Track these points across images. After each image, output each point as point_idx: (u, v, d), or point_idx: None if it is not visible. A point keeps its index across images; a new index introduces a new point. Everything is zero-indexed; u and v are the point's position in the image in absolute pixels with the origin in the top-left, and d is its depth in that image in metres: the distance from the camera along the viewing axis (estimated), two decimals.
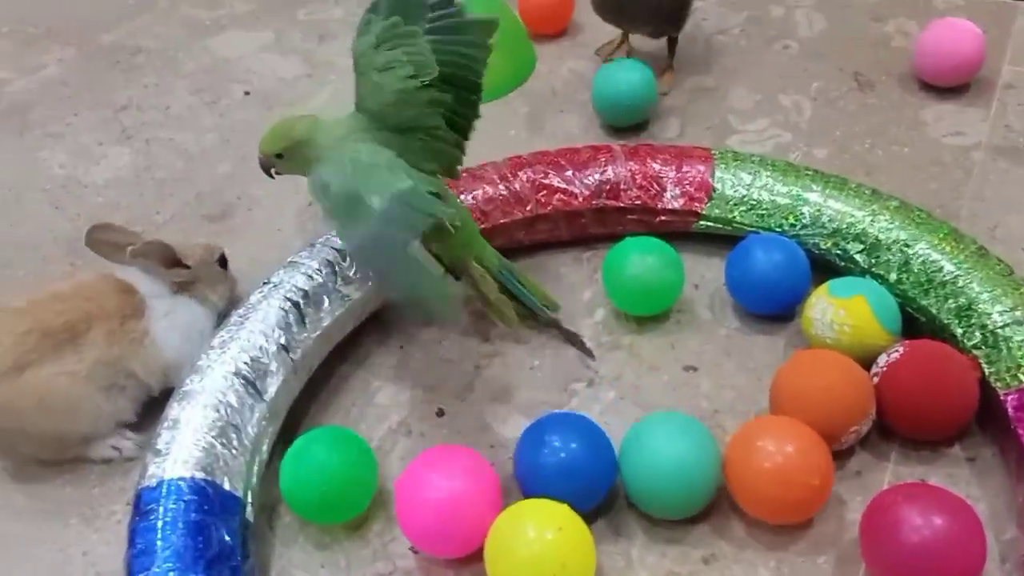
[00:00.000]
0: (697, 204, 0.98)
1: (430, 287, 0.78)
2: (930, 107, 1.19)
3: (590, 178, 1.01)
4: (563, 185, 1.01)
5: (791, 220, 0.94)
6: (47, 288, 0.87)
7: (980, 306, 0.81)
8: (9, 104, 1.36)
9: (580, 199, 1.00)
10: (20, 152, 1.26)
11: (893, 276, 0.88)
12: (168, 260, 0.90)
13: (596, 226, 1.02)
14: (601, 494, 0.77)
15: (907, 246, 0.88)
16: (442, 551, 0.75)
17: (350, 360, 0.95)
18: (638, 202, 1.00)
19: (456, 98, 0.86)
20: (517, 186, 1.01)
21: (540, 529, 0.69)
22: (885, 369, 0.80)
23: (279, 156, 0.86)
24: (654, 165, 1.01)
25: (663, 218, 1.00)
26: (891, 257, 0.88)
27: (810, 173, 0.96)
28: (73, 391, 0.81)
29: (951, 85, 1.20)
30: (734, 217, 0.97)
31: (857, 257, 0.90)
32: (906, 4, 1.37)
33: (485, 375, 0.92)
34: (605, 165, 1.01)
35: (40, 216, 1.16)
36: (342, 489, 0.77)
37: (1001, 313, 0.80)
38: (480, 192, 1.00)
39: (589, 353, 0.92)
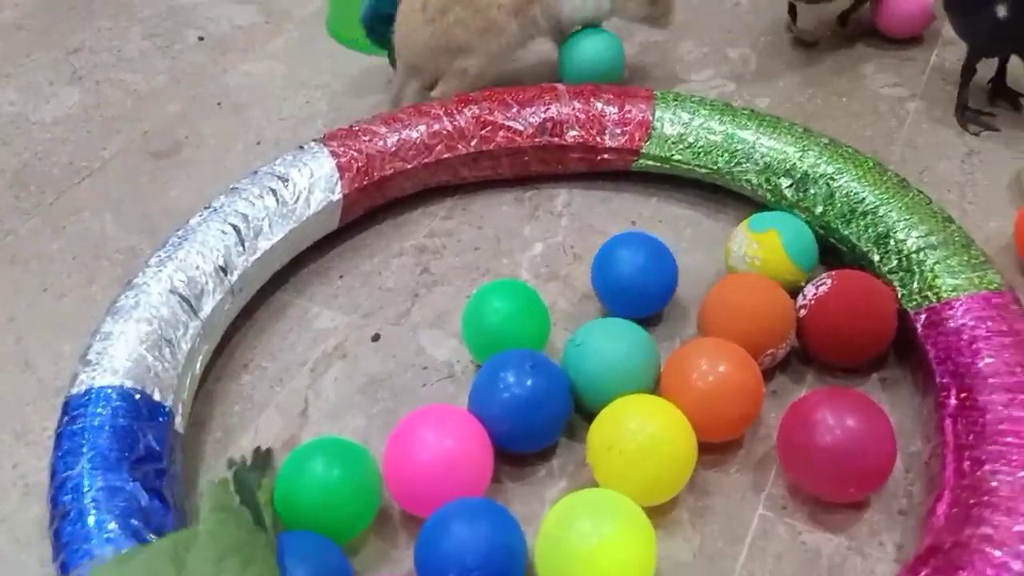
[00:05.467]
0: (637, 142, 1.00)
1: None
2: (872, 60, 1.22)
3: (534, 116, 1.02)
4: (507, 122, 1.02)
5: (726, 157, 0.96)
6: None
7: (897, 233, 0.84)
8: None
9: (524, 136, 1.02)
10: None
11: (819, 209, 0.90)
12: None
13: (538, 164, 1.04)
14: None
15: (832, 179, 0.90)
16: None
17: (290, 288, 0.96)
18: (580, 140, 1.01)
19: None
20: (462, 122, 1.02)
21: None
22: (813, 302, 0.82)
23: None
24: (597, 104, 1.02)
25: (604, 156, 1.02)
26: (817, 190, 0.90)
27: (747, 113, 0.98)
28: (500, 18, 1.07)
29: (904, 37, 1.22)
30: (672, 155, 0.99)
31: (787, 192, 0.92)
32: None
33: (422, 302, 0.94)
34: (549, 103, 1.03)
35: None
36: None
37: (916, 238, 0.82)
38: (424, 127, 1.01)
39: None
